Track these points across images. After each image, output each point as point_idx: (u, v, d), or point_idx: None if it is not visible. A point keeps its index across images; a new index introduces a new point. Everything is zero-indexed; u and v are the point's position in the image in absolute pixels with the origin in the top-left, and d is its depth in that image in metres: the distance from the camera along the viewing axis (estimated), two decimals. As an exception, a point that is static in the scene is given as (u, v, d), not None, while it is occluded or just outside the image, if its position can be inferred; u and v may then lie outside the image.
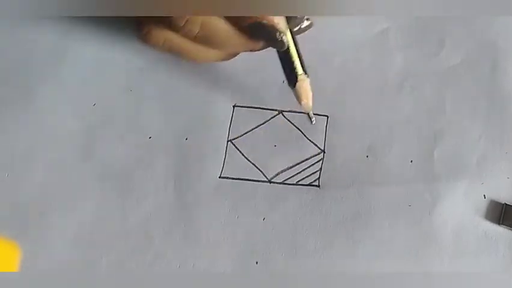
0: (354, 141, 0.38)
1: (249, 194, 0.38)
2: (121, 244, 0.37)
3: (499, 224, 0.36)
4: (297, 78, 0.36)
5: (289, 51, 0.36)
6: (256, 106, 0.40)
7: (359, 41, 0.41)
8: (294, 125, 0.39)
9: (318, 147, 0.39)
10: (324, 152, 0.38)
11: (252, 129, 0.39)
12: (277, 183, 0.38)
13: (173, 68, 0.40)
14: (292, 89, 0.37)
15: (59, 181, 0.38)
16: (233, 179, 0.38)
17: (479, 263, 0.36)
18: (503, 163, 0.37)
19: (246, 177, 0.38)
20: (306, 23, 0.36)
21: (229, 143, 0.39)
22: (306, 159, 0.38)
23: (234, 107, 0.40)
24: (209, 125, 0.39)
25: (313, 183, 0.38)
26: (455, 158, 0.38)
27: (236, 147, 0.39)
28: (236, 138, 0.39)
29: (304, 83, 0.36)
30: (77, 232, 0.37)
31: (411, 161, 0.38)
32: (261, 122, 0.39)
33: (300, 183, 0.38)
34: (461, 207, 0.37)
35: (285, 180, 0.38)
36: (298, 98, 0.37)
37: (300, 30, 0.37)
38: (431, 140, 0.38)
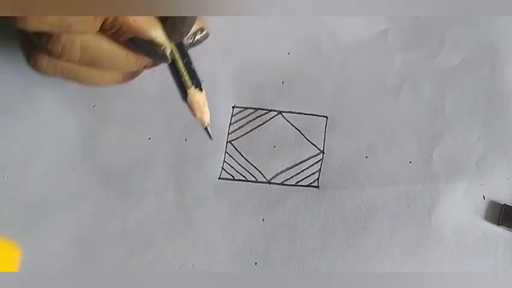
0: (354, 141, 0.38)
1: (248, 195, 0.38)
2: (121, 244, 0.37)
3: (498, 224, 0.36)
4: (186, 91, 0.34)
5: (175, 65, 0.34)
6: (255, 107, 0.40)
7: (358, 41, 0.41)
8: (293, 125, 0.39)
9: (317, 147, 0.39)
10: (324, 153, 0.38)
11: (251, 130, 0.39)
12: (276, 184, 0.38)
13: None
14: (185, 102, 0.35)
15: (59, 181, 0.38)
16: (232, 179, 0.38)
17: (478, 264, 0.36)
18: (503, 164, 0.37)
19: (246, 178, 0.38)
20: (200, 34, 0.35)
21: (228, 143, 0.39)
22: (305, 160, 0.38)
23: (233, 107, 0.40)
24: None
25: (313, 184, 0.38)
26: (454, 158, 0.38)
27: (235, 148, 0.39)
28: (235, 139, 0.39)
29: (195, 96, 0.34)
30: (77, 232, 0.37)
31: (411, 162, 0.38)
32: (261, 123, 0.39)
33: (299, 184, 0.38)
34: (460, 207, 0.37)
35: (284, 181, 0.38)
36: (191, 111, 0.35)
37: (196, 42, 0.35)
38: (431, 140, 0.38)
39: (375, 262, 0.36)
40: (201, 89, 0.35)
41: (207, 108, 0.35)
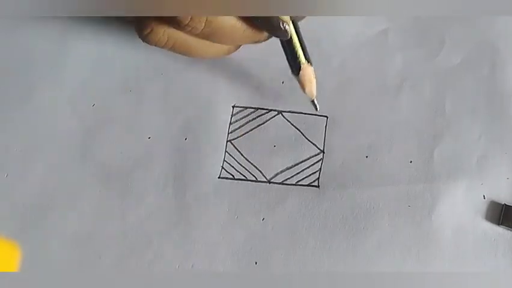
0: (354, 141, 0.38)
1: (248, 194, 0.38)
2: (120, 244, 0.37)
3: (498, 224, 0.36)
4: (300, 66, 0.37)
5: (292, 41, 0.36)
6: (255, 106, 0.40)
7: (358, 41, 0.41)
8: (293, 125, 0.39)
9: (317, 147, 0.39)
10: (324, 153, 0.38)
11: (252, 130, 0.39)
12: (276, 183, 0.38)
13: (172, 68, 0.40)
14: (295, 77, 0.37)
15: (59, 181, 0.38)
16: (232, 179, 0.38)
17: (479, 263, 0.36)
18: (503, 163, 0.37)
19: (245, 178, 0.38)
20: None
21: (228, 143, 0.39)
22: (306, 160, 0.38)
23: (233, 107, 0.40)
24: (208, 125, 0.39)
25: (313, 184, 0.38)
26: (454, 158, 0.38)
27: (235, 147, 0.39)
28: (235, 138, 0.39)
29: (308, 71, 0.37)
30: (76, 232, 0.37)
31: (411, 161, 0.38)
32: (261, 123, 0.39)
33: (299, 183, 0.38)
34: (460, 207, 0.37)
35: (284, 181, 0.38)
36: (302, 85, 0.37)
37: (298, 18, 0.37)
38: (431, 140, 0.38)
39: (375, 262, 0.36)
40: (311, 64, 0.37)
41: (315, 81, 0.37)
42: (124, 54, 0.41)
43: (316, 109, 0.38)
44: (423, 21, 0.41)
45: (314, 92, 0.38)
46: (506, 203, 0.37)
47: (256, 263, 0.36)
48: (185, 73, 0.40)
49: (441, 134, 0.38)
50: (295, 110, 0.39)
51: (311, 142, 0.39)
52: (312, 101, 0.38)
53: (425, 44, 0.41)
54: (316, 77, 0.37)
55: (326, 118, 0.39)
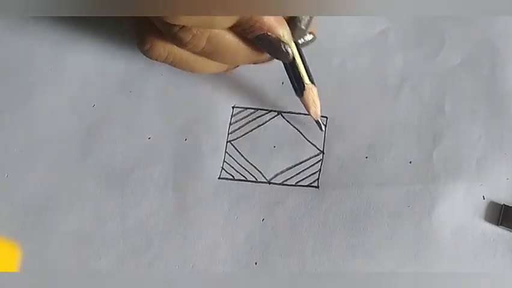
0: (354, 142, 0.38)
1: (248, 195, 0.38)
2: (120, 244, 0.37)
3: (497, 225, 0.36)
4: (304, 87, 0.37)
5: (295, 62, 0.36)
6: (255, 107, 0.40)
7: (358, 41, 0.41)
8: (293, 126, 0.39)
9: (317, 148, 0.39)
10: (323, 153, 0.38)
11: (252, 130, 0.39)
12: (276, 184, 0.38)
13: (172, 68, 0.40)
14: (300, 98, 0.37)
15: (59, 181, 0.38)
16: (232, 179, 0.38)
17: (478, 264, 0.36)
18: (503, 164, 0.37)
19: (245, 178, 0.38)
20: (309, 37, 0.37)
21: (228, 143, 0.39)
22: (305, 160, 0.38)
23: (233, 107, 0.40)
24: (208, 125, 0.39)
25: (313, 184, 0.38)
26: (454, 158, 0.38)
27: (235, 148, 0.39)
28: (235, 139, 0.39)
29: (312, 92, 0.37)
30: (76, 232, 0.37)
31: (411, 162, 0.38)
32: (261, 123, 0.39)
33: (299, 184, 0.38)
34: (460, 208, 0.37)
35: (284, 181, 0.38)
36: (306, 107, 0.37)
37: (304, 44, 0.37)
38: (431, 140, 0.38)
39: (375, 262, 0.36)
40: (314, 85, 0.37)
41: (319, 102, 0.37)
42: (124, 54, 0.41)
43: (321, 129, 0.38)
44: (423, 21, 0.41)
45: (319, 113, 0.38)
46: (506, 204, 0.37)
47: (256, 263, 0.36)
48: (185, 73, 0.40)
49: (441, 134, 0.38)
50: (295, 111, 0.39)
51: (311, 143, 0.39)
52: (317, 121, 0.38)
53: (425, 44, 0.41)
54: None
55: (325, 118, 0.39)
